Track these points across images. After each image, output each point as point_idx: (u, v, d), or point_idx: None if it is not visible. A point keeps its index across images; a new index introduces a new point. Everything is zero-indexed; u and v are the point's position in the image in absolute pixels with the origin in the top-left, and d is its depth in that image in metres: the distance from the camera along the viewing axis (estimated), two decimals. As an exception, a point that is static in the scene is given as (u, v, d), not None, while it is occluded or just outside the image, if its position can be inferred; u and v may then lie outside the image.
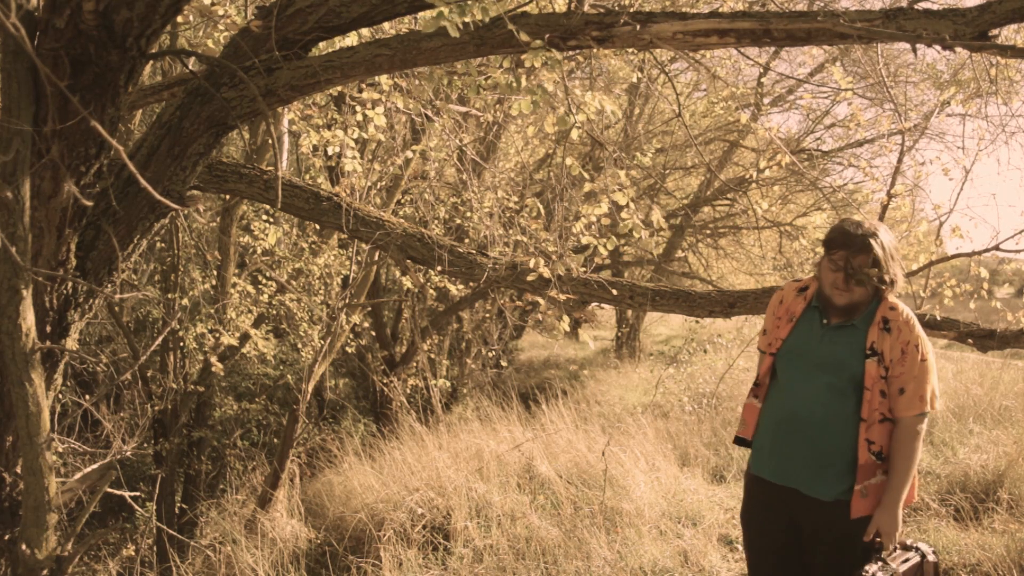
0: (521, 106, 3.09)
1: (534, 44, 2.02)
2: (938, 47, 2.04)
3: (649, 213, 3.76)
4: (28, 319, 1.81)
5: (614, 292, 3.74)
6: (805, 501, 2.51)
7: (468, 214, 7.63)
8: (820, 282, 2.58)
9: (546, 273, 3.68)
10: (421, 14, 2.60)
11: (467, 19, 1.92)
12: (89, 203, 2.06)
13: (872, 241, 2.44)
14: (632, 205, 3.58)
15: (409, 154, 6.70)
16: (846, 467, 2.47)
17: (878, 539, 2.44)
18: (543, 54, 2.11)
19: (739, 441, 2.73)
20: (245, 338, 7.41)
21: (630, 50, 3.12)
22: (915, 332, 2.47)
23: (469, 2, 1.87)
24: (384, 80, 3.74)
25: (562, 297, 3.71)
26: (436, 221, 7.78)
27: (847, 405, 2.48)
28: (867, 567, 2.38)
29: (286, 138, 7.10)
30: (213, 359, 6.59)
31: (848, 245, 2.47)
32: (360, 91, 3.83)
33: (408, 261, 3.69)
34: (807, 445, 2.50)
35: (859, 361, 2.46)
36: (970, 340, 3.31)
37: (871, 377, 2.44)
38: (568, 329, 4.91)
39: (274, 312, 7.68)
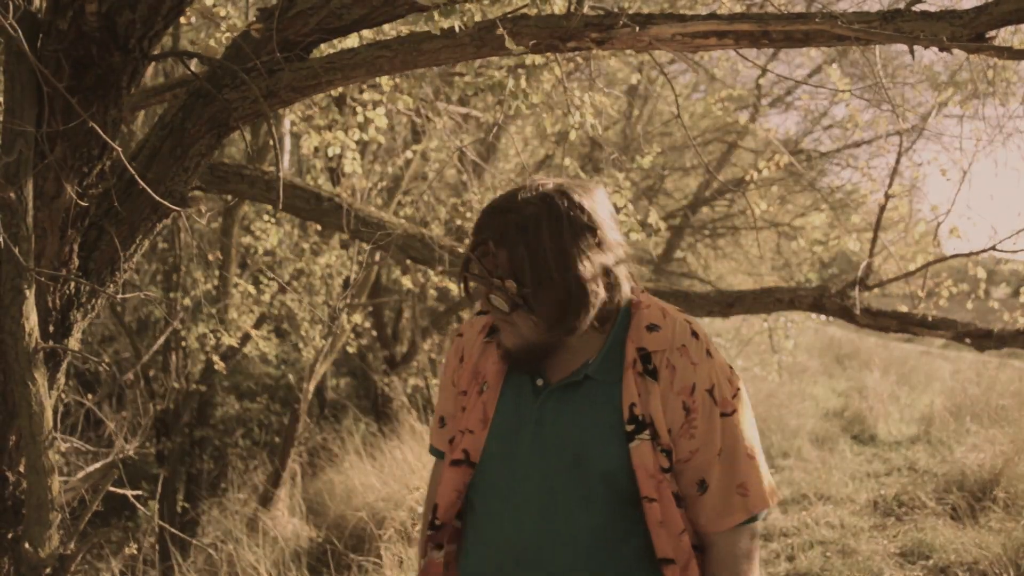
0: (523, 106, 3.11)
1: (520, 51, 2.02)
2: (935, 49, 2.05)
3: (647, 215, 3.78)
4: (31, 319, 1.82)
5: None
6: None
7: (468, 214, 7.63)
8: None
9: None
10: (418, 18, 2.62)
11: (454, 23, 1.93)
12: (87, 204, 2.07)
13: (516, 215, 1.24)
14: (631, 206, 3.60)
15: (409, 155, 6.72)
16: None
17: None
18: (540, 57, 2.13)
19: None
20: (247, 338, 7.43)
21: (629, 52, 3.14)
22: (704, 365, 1.28)
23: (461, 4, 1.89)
24: (385, 81, 3.76)
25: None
26: (436, 221, 7.79)
27: (614, 532, 1.28)
28: None
29: (287, 139, 7.12)
30: (215, 358, 6.60)
31: (483, 229, 1.28)
32: (361, 92, 3.85)
33: (409, 261, 3.71)
34: None
35: (615, 446, 1.26)
36: (967, 340, 3.32)
37: (647, 475, 1.24)
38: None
39: (275, 312, 7.70)
